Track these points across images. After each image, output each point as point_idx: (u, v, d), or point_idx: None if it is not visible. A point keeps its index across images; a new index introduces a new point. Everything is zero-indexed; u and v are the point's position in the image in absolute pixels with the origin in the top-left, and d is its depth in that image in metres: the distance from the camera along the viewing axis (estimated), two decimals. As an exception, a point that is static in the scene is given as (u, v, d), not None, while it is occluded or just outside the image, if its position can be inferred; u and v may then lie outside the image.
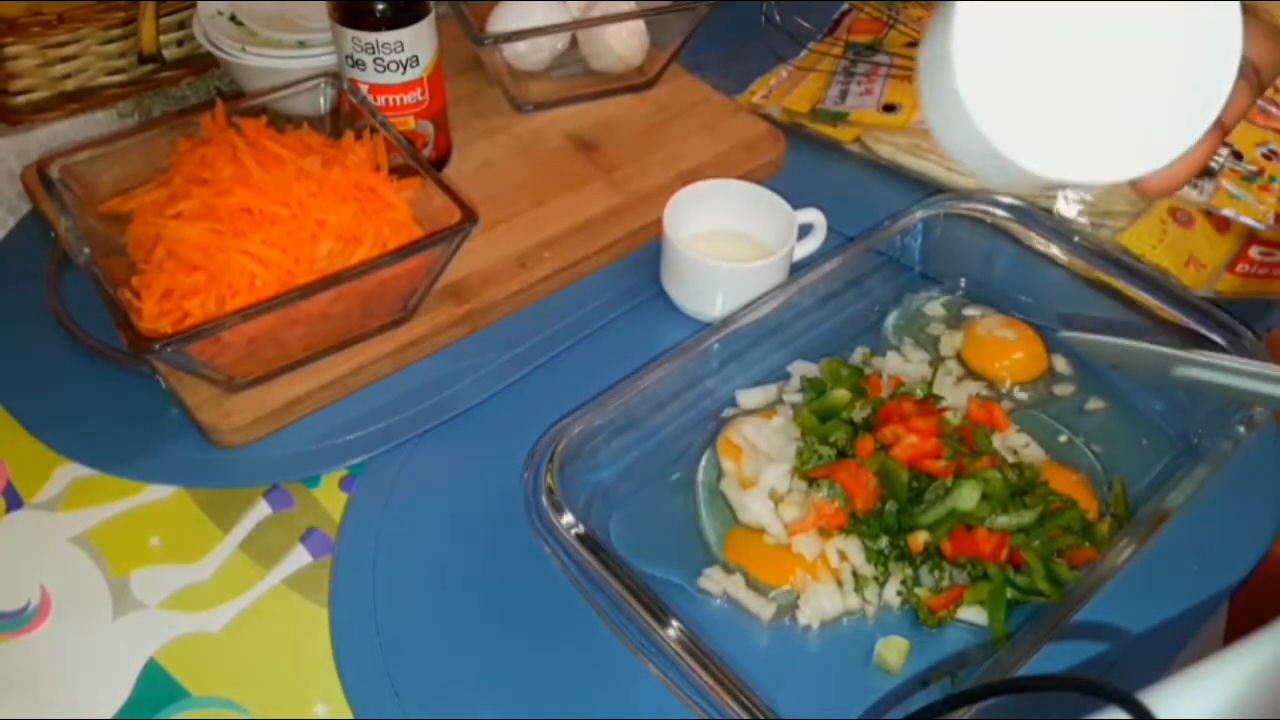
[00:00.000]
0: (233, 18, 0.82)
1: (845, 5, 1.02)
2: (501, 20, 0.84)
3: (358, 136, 0.70)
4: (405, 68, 0.73)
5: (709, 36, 0.88)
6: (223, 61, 0.81)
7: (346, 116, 0.73)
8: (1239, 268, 0.77)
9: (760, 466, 0.62)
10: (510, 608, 0.58)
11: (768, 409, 0.67)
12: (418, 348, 0.70)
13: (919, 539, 0.57)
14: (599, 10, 0.87)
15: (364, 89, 0.74)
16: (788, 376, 0.68)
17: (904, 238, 0.74)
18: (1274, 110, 0.86)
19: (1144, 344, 0.54)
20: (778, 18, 0.99)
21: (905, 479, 0.59)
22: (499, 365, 0.70)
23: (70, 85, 0.86)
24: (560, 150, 0.84)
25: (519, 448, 0.62)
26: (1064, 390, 0.69)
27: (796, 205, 0.73)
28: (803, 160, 0.86)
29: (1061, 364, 0.70)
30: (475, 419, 0.67)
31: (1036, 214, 0.72)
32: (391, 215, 0.67)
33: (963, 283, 0.75)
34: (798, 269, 0.72)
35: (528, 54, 0.86)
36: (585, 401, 0.60)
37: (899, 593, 0.58)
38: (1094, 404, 0.68)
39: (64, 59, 0.84)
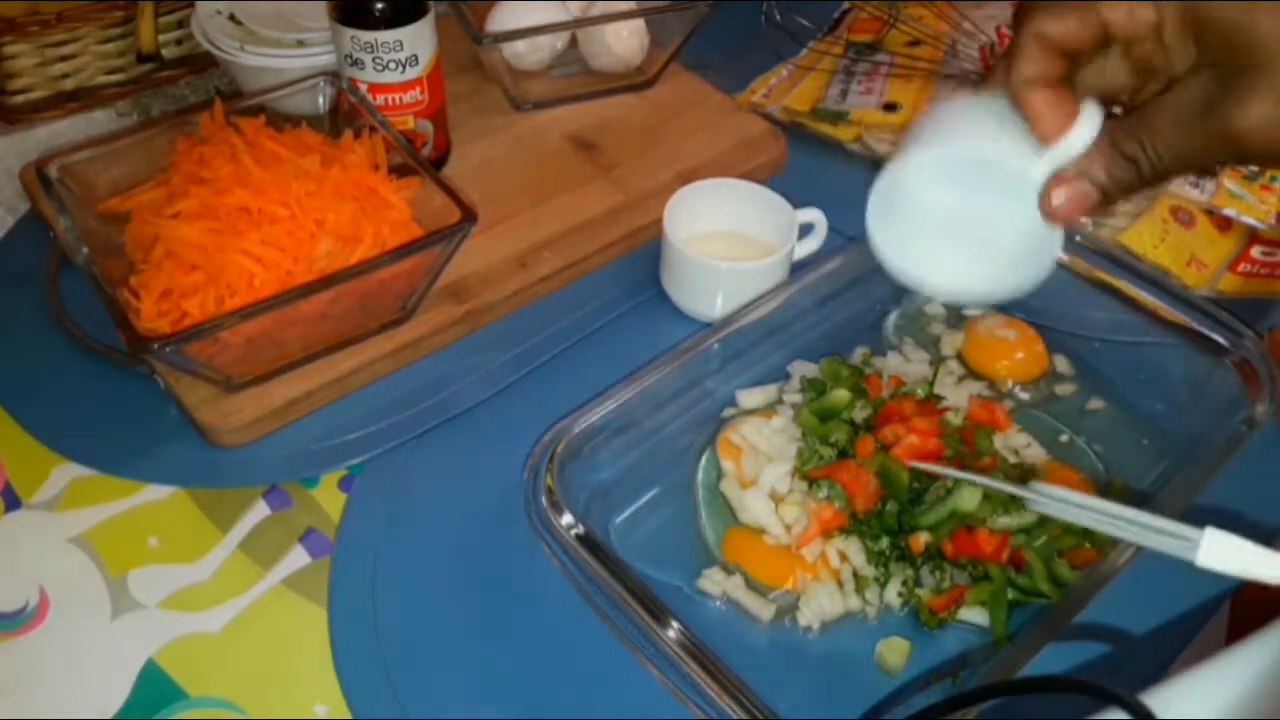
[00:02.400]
0: (231, 17, 0.82)
1: (846, 4, 1.02)
2: (501, 19, 0.84)
3: (357, 136, 0.70)
4: (404, 67, 0.73)
5: (709, 35, 0.88)
6: (221, 61, 0.81)
7: (345, 116, 0.73)
8: (1241, 267, 0.77)
9: (760, 466, 0.62)
10: (510, 608, 0.58)
11: (768, 409, 0.66)
12: (417, 348, 0.70)
13: (920, 540, 0.57)
14: (599, 10, 0.87)
15: (363, 88, 0.73)
16: (788, 376, 0.68)
17: (904, 237, 0.74)
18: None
19: (990, 482, 0.54)
20: (778, 16, 0.99)
21: (906, 479, 0.59)
22: (499, 365, 0.70)
23: (69, 84, 0.86)
24: (560, 150, 0.84)
25: (519, 448, 0.62)
26: (1065, 390, 0.69)
27: (797, 205, 0.73)
28: (803, 160, 0.85)
29: (1062, 364, 0.70)
30: (475, 419, 0.67)
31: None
32: (391, 215, 0.67)
33: (963, 282, 0.75)
34: (798, 269, 0.72)
35: (527, 53, 0.86)
36: (585, 401, 0.60)
37: (900, 593, 0.57)
38: (1095, 404, 0.68)
39: (63, 58, 0.84)
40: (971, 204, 0.48)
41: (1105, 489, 0.63)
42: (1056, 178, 0.45)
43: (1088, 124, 0.45)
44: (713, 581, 0.58)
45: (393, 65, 0.72)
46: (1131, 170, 0.44)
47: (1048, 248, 0.47)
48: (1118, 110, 0.48)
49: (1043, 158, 0.46)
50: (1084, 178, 0.45)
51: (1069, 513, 0.48)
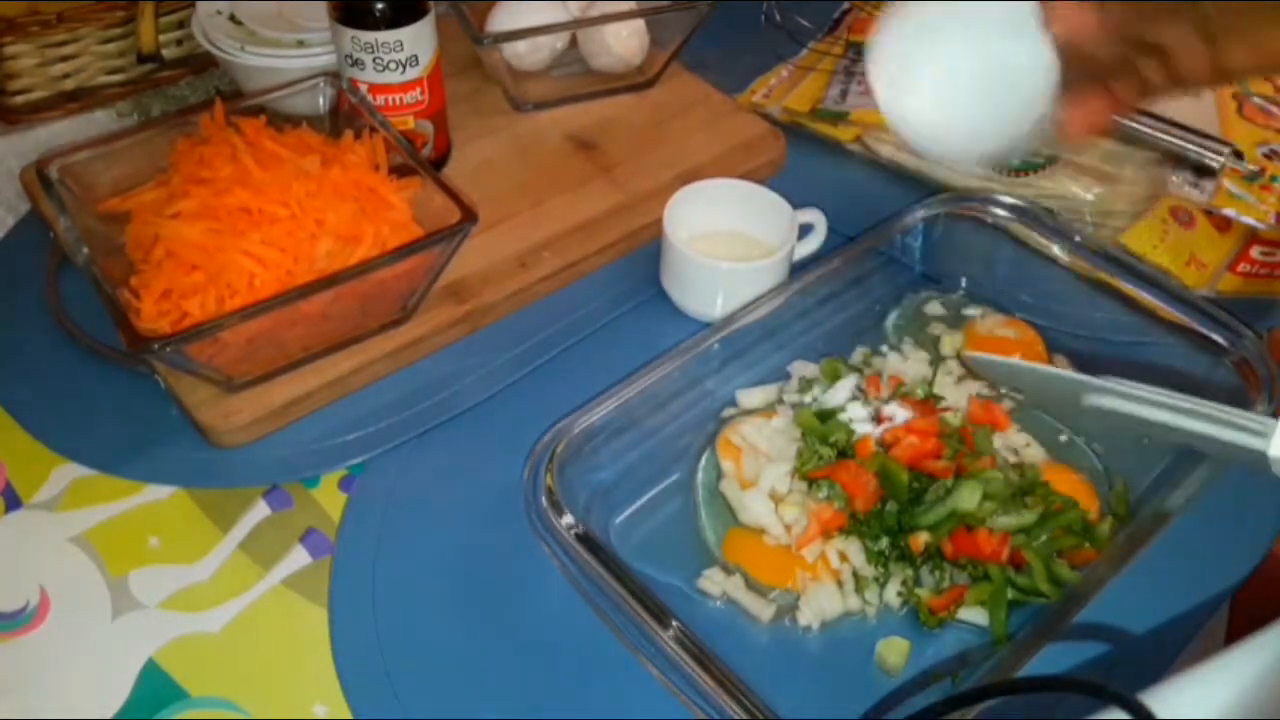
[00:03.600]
0: (232, 17, 0.82)
1: (845, 4, 1.02)
2: (501, 20, 0.84)
3: (357, 136, 0.70)
4: (405, 67, 0.73)
5: (709, 35, 0.88)
6: (222, 61, 0.81)
7: (346, 116, 0.73)
8: (1240, 267, 0.77)
9: (760, 467, 0.62)
10: (510, 608, 0.58)
11: (768, 409, 0.66)
12: (417, 348, 0.70)
13: (919, 539, 0.57)
14: (599, 10, 0.87)
15: (363, 88, 0.73)
16: (788, 376, 0.68)
17: (904, 238, 0.74)
18: (1274, 110, 0.86)
19: (1049, 369, 0.53)
20: (778, 17, 0.99)
21: (905, 479, 0.59)
22: (499, 365, 0.70)
23: (69, 85, 0.86)
24: (560, 150, 0.84)
25: (519, 448, 0.62)
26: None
27: (797, 205, 0.73)
28: (803, 160, 0.85)
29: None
30: (475, 419, 0.67)
31: (1037, 214, 0.72)
32: (391, 215, 0.67)
33: (963, 282, 0.75)
34: (798, 269, 0.72)
35: (527, 54, 0.86)
36: (585, 401, 0.60)
37: (899, 593, 0.57)
38: (1095, 404, 0.68)
39: (63, 58, 0.84)
40: (970, 48, 0.50)
41: (1106, 489, 0.63)
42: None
43: None
44: (713, 581, 0.58)
45: (393, 65, 0.72)
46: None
47: (1038, 87, 0.49)
48: None
49: None
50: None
51: (1133, 407, 0.46)
